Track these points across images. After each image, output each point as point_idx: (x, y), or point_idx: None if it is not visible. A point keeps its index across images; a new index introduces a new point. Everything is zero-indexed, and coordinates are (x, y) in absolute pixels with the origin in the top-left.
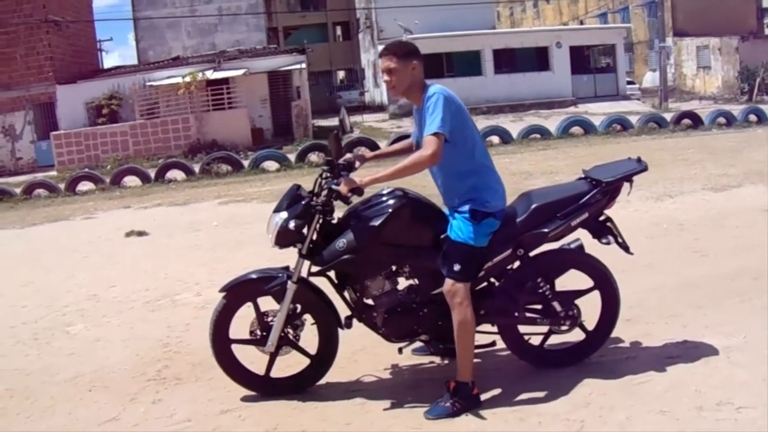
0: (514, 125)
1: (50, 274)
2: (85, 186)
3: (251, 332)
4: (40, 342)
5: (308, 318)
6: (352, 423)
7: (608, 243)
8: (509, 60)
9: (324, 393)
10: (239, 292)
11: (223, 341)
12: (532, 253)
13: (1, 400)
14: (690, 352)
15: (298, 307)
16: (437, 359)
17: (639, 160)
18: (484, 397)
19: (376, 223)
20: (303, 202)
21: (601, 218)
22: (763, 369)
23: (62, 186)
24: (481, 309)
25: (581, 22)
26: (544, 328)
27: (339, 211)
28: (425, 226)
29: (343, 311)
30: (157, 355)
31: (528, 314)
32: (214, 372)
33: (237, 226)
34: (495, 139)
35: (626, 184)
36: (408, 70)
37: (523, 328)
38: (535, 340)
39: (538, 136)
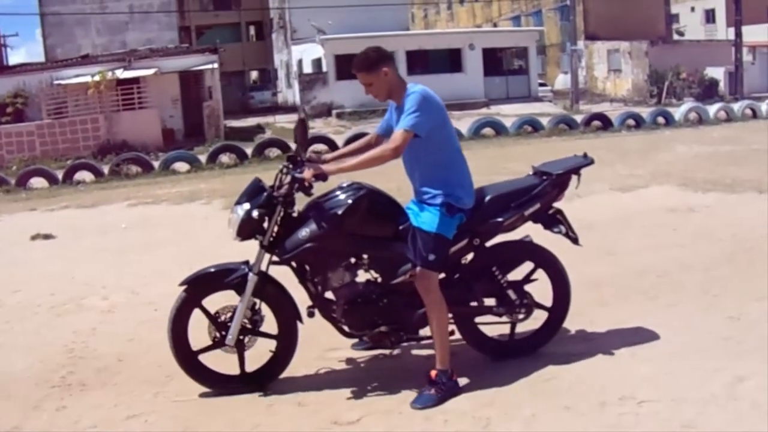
0: None
1: None
2: None
3: (213, 338)
4: None
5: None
6: (260, 425)
7: (559, 232)
8: (422, 61)
9: (233, 396)
10: (199, 285)
11: (188, 353)
12: (487, 244)
13: None
14: (594, 348)
15: (257, 302)
16: (373, 353)
17: (585, 155)
18: (390, 397)
19: (339, 212)
20: (265, 193)
21: (551, 211)
22: (665, 364)
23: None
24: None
25: (495, 25)
26: (505, 320)
27: (299, 206)
28: (384, 217)
29: (303, 304)
30: (62, 361)
31: (484, 304)
32: (119, 377)
33: (146, 229)
34: None
35: (574, 178)
36: (381, 78)
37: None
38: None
39: None
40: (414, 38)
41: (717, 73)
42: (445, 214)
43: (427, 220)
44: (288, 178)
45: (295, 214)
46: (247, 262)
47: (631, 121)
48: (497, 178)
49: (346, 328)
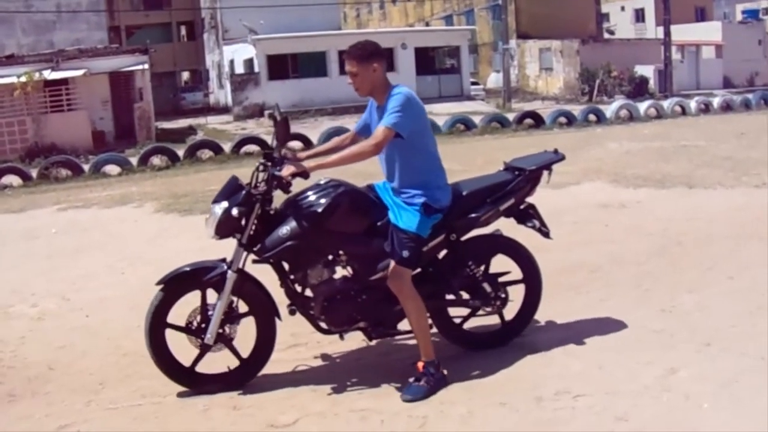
0: None
1: None
2: None
3: (188, 323)
4: None
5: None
6: (195, 431)
7: (533, 227)
8: None
9: (167, 401)
10: (177, 283)
11: (159, 325)
12: (463, 239)
13: None
14: (527, 344)
15: (235, 300)
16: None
17: (556, 151)
18: (319, 397)
19: (319, 209)
20: (244, 191)
21: (523, 206)
22: (599, 358)
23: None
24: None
25: (427, 24)
26: (465, 311)
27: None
28: (363, 214)
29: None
30: None
31: (461, 297)
32: (50, 386)
33: (76, 233)
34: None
35: (545, 174)
36: (369, 72)
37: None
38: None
39: None
40: (346, 38)
41: (647, 71)
42: (423, 214)
43: (405, 219)
44: (265, 176)
45: (272, 212)
46: (224, 260)
47: (563, 119)
48: None
49: (324, 325)
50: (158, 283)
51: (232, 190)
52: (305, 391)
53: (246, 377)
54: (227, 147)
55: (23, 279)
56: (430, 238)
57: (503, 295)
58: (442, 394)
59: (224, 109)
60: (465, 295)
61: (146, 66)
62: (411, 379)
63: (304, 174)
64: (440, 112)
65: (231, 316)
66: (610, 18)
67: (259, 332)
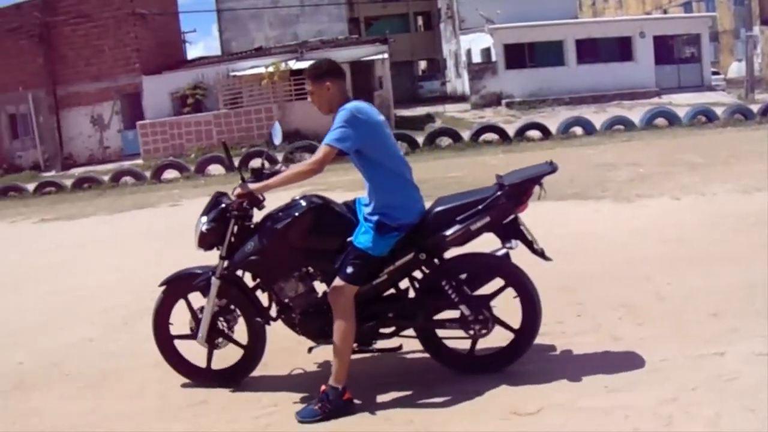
0: (596, 116)
1: (137, 260)
2: (170, 174)
3: (191, 329)
4: (129, 326)
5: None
6: None
7: (511, 247)
8: (592, 50)
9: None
10: (173, 287)
11: (166, 337)
12: (440, 258)
13: (94, 380)
14: None
15: (225, 301)
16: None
17: (550, 163)
18: (562, 388)
19: (279, 226)
20: (220, 207)
21: (508, 222)
22: None
23: (148, 174)
24: (389, 312)
25: (665, 12)
26: (466, 334)
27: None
28: (330, 232)
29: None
30: None
31: (436, 318)
32: None
33: None
34: (578, 130)
35: (537, 188)
36: (324, 91)
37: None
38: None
39: (621, 127)
40: (583, 27)
41: None
42: (377, 232)
43: (359, 235)
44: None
45: (252, 226)
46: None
47: None
48: (672, 169)
49: (300, 335)
50: (160, 285)
51: (211, 206)
52: (549, 381)
53: (248, 370)
54: (465, 135)
55: None
56: (395, 257)
57: (485, 319)
58: (690, 395)
59: (461, 98)
60: (447, 316)
61: (386, 55)
62: (313, 401)
63: (248, 196)
64: (680, 103)
65: (224, 314)
66: None
67: (249, 329)
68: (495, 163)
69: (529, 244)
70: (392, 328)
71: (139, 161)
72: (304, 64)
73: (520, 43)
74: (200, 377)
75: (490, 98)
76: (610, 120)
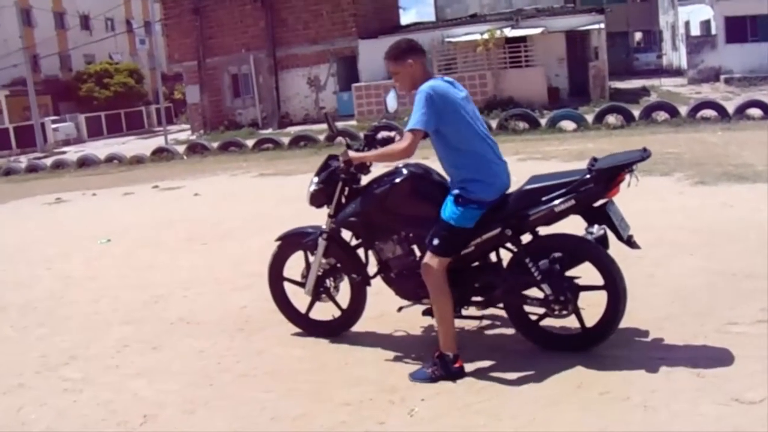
0: None
1: None
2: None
3: (302, 276)
4: None
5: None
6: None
7: (591, 232)
8: None
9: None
10: (286, 242)
11: (277, 280)
12: (533, 235)
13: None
14: None
15: (334, 261)
16: None
17: (644, 150)
18: None
19: (379, 191)
20: (329, 170)
21: (599, 207)
22: None
23: (362, 135)
24: (475, 282)
25: None
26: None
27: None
28: (428, 200)
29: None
30: None
31: (518, 293)
32: None
33: None
34: None
35: (629, 175)
36: (407, 69)
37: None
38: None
39: None
40: None
41: None
42: (455, 204)
43: (445, 209)
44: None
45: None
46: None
47: None
48: None
49: (395, 293)
50: (276, 240)
51: (322, 168)
52: None
53: (345, 326)
54: (683, 111)
55: None
56: (484, 229)
57: (565, 300)
58: None
59: (677, 72)
60: (528, 294)
61: (602, 25)
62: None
63: (348, 163)
64: None
65: (332, 273)
66: None
67: (352, 289)
68: (714, 141)
69: (616, 231)
70: (480, 298)
71: (353, 122)
72: (519, 32)
73: (743, 15)
74: (299, 322)
75: (707, 73)
76: None
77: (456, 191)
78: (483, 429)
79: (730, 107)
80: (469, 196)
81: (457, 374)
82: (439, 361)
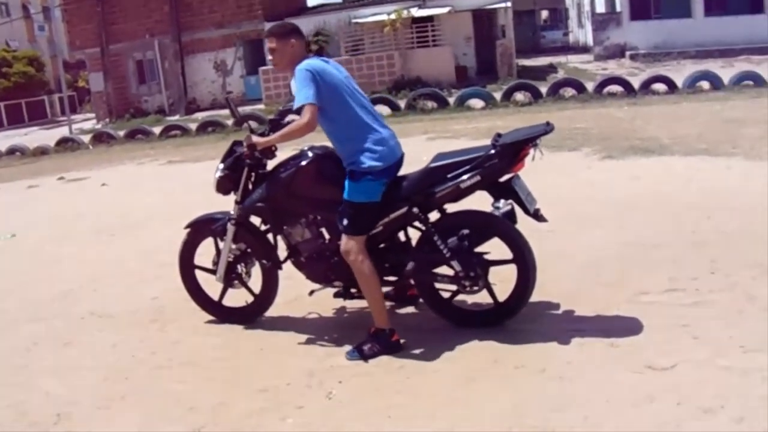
0: (724, 71)
1: None
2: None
3: (213, 263)
4: None
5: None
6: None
7: (498, 207)
8: (720, 1)
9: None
10: (196, 230)
11: (188, 267)
12: (441, 213)
13: None
14: None
15: (244, 246)
16: None
17: (547, 123)
18: (700, 345)
19: (284, 175)
20: (234, 155)
21: (503, 182)
22: None
23: (269, 118)
24: (385, 262)
25: None
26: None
27: None
28: (333, 183)
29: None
30: None
31: (428, 271)
32: None
33: None
34: (705, 84)
35: (533, 149)
36: (288, 48)
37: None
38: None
39: (750, 83)
40: None
41: None
42: (351, 180)
43: (345, 188)
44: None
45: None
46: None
47: None
48: None
49: (305, 277)
50: (185, 228)
51: (227, 154)
52: (686, 337)
53: (258, 312)
54: (590, 87)
55: None
56: (390, 208)
57: (475, 276)
58: None
59: (584, 49)
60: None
61: (508, 4)
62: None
63: (254, 147)
64: None
65: (243, 259)
66: None
67: (263, 274)
68: (620, 116)
69: (523, 206)
70: (393, 278)
71: (261, 106)
72: (426, 12)
73: None
74: (212, 309)
75: (613, 50)
76: (738, 75)
77: (349, 168)
78: (401, 409)
79: (636, 83)
80: (361, 168)
81: (395, 347)
82: (375, 337)
